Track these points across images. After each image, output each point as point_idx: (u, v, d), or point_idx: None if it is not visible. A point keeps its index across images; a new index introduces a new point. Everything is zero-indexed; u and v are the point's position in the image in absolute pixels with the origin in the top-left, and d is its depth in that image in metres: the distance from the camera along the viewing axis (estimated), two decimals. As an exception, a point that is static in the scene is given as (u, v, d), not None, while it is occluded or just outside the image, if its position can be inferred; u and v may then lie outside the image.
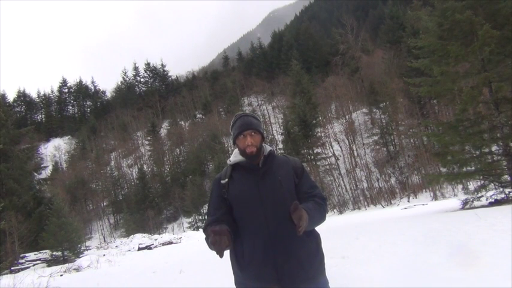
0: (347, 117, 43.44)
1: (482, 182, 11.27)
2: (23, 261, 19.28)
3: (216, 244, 1.64)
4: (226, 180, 1.95)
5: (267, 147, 2.01)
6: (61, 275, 12.43)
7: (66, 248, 21.28)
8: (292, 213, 1.69)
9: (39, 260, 20.18)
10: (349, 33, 52.05)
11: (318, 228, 1.99)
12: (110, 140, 66.34)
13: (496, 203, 10.40)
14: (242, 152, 1.96)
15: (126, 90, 79.42)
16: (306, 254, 1.85)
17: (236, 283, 1.93)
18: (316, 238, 1.96)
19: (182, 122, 64.02)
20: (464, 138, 10.90)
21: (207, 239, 1.86)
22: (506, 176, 10.57)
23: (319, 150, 36.35)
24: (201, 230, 29.40)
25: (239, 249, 1.88)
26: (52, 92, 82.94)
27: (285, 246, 1.81)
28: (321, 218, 1.91)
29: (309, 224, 1.75)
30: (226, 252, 1.84)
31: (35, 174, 29.15)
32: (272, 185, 1.88)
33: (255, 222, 1.84)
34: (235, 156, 2.00)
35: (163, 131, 62.69)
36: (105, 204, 51.24)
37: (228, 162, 2.03)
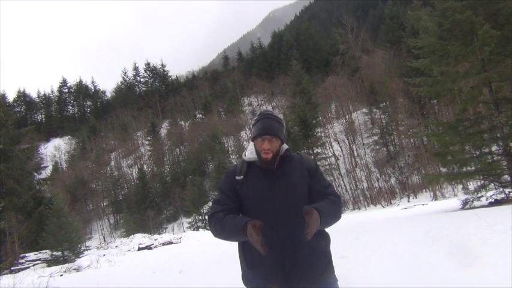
0: (347, 117, 43.43)
1: (482, 182, 11.27)
2: (23, 261, 19.27)
3: (254, 240, 1.67)
4: (242, 177, 1.93)
5: (284, 146, 1.99)
6: (61, 275, 12.43)
7: (66, 248, 21.28)
8: (305, 215, 1.70)
9: (39, 260, 20.17)
10: (349, 33, 52.02)
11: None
12: (110, 140, 66.35)
13: (496, 203, 10.40)
14: (258, 154, 1.94)
15: (126, 90, 79.42)
16: (315, 255, 1.86)
17: (243, 278, 1.94)
18: (325, 239, 1.96)
19: (182, 122, 64.01)
20: (464, 138, 10.90)
21: (216, 225, 1.86)
22: (506, 176, 10.57)
23: (319, 150, 36.33)
24: (201, 230, 29.39)
25: (247, 248, 1.88)
26: (52, 92, 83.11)
27: (293, 248, 1.82)
28: (335, 216, 1.89)
29: (322, 222, 1.75)
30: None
31: (35, 174, 29.11)
32: (286, 188, 1.88)
33: (265, 222, 1.82)
34: (251, 153, 1.98)
35: (163, 131, 62.68)
36: (105, 204, 51.23)
37: (243, 157, 2.01)
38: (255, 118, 2.02)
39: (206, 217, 35.67)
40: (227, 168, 2.05)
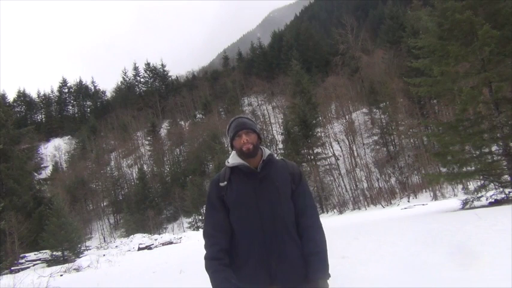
0: (347, 117, 43.42)
1: (482, 182, 11.26)
2: (23, 261, 19.28)
3: None
4: (225, 183, 1.95)
5: (266, 151, 2.01)
6: (61, 275, 12.44)
7: (66, 248, 21.28)
8: None
9: (39, 260, 20.19)
10: (349, 33, 52.03)
11: None
12: (110, 140, 66.31)
13: (496, 203, 10.40)
14: (239, 152, 1.97)
15: (126, 90, 79.38)
16: (301, 257, 1.88)
17: (231, 283, 1.94)
18: None
19: (182, 122, 64.02)
20: (464, 138, 10.90)
21: (205, 262, 1.88)
22: (506, 176, 10.57)
23: (319, 150, 36.33)
24: (201, 230, 29.40)
25: (234, 252, 1.90)
26: (52, 92, 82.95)
27: (279, 251, 1.85)
28: (325, 245, 1.94)
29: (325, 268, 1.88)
30: None
31: (35, 174, 29.14)
32: (269, 191, 1.90)
33: (251, 226, 1.86)
34: (233, 159, 1.99)
35: (163, 131, 62.68)
36: (105, 204, 51.23)
37: (226, 163, 2.03)
38: (227, 125, 2.09)
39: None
40: (213, 177, 2.09)
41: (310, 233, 1.92)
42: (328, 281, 1.86)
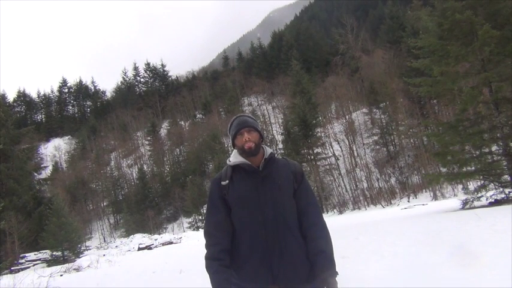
0: (347, 117, 43.43)
1: (482, 182, 11.27)
2: (23, 261, 19.30)
3: None
4: (227, 181, 1.95)
5: (268, 150, 2.00)
6: (61, 275, 12.43)
7: (66, 248, 21.32)
8: None
9: (39, 260, 20.21)
10: (349, 33, 52.04)
11: None
12: (110, 140, 66.33)
13: (496, 203, 10.41)
14: (241, 151, 1.96)
15: (126, 90, 79.43)
16: (303, 257, 1.87)
17: (232, 283, 1.94)
18: None
19: (182, 122, 64.02)
20: (464, 138, 10.91)
21: (205, 261, 1.88)
22: (506, 176, 10.57)
23: (319, 150, 36.34)
24: (201, 230, 29.39)
25: (235, 251, 1.89)
26: (52, 92, 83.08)
27: (281, 250, 1.84)
28: (331, 246, 1.93)
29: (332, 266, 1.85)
30: None
31: (35, 174, 29.15)
32: (271, 189, 1.89)
33: (253, 225, 1.86)
34: (235, 158, 1.99)
35: (163, 131, 62.70)
36: (105, 204, 51.24)
37: (227, 162, 2.02)
38: (229, 123, 2.07)
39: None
40: (213, 176, 2.07)
41: (314, 231, 1.91)
42: (336, 278, 1.84)
